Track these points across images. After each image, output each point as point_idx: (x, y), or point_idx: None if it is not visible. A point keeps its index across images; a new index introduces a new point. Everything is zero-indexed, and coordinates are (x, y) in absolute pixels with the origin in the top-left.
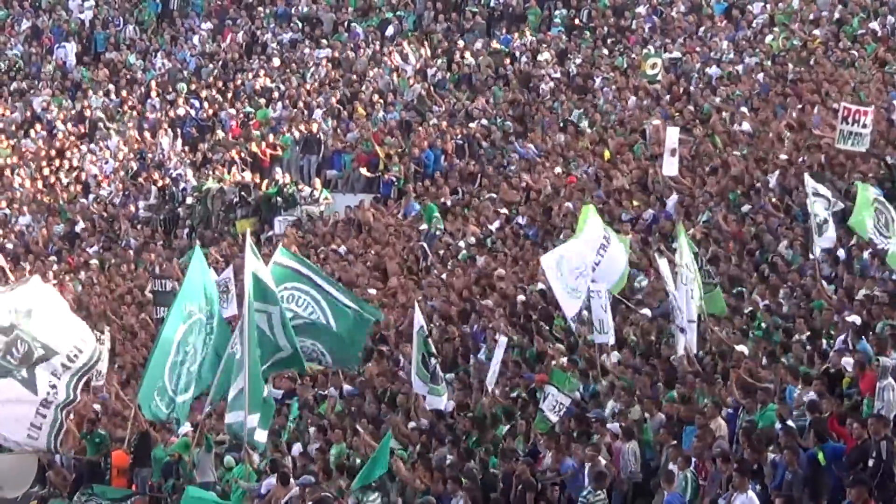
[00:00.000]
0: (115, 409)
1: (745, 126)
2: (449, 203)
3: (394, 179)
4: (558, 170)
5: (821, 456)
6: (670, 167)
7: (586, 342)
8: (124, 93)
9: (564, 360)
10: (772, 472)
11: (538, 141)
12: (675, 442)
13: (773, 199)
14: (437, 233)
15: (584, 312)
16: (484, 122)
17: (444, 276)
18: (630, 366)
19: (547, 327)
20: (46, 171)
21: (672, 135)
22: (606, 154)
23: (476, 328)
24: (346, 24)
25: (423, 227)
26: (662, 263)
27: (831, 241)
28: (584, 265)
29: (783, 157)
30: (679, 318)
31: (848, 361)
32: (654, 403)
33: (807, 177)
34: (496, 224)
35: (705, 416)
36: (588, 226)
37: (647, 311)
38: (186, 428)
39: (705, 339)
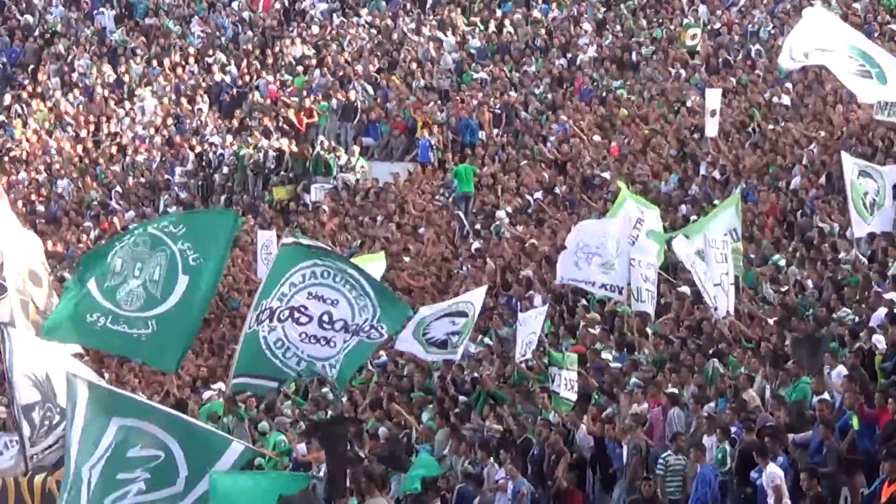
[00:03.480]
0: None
1: (785, 100)
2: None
3: (431, 143)
4: (597, 138)
5: (855, 420)
6: (711, 128)
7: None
8: (163, 58)
9: (598, 329)
10: (795, 448)
11: (572, 111)
12: (706, 413)
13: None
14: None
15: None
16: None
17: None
18: (663, 337)
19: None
20: (84, 136)
21: (713, 96)
22: (645, 130)
23: (513, 299)
24: None
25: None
26: (678, 243)
27: (889, 219)
28: (601, 244)
29: (822, 133)
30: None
31: (879, 339)
32: (689, 374)
33: (845, 155)
34: (538, 194)
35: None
36: (624, 207)
37: (685, 289)
38: (209, 393)
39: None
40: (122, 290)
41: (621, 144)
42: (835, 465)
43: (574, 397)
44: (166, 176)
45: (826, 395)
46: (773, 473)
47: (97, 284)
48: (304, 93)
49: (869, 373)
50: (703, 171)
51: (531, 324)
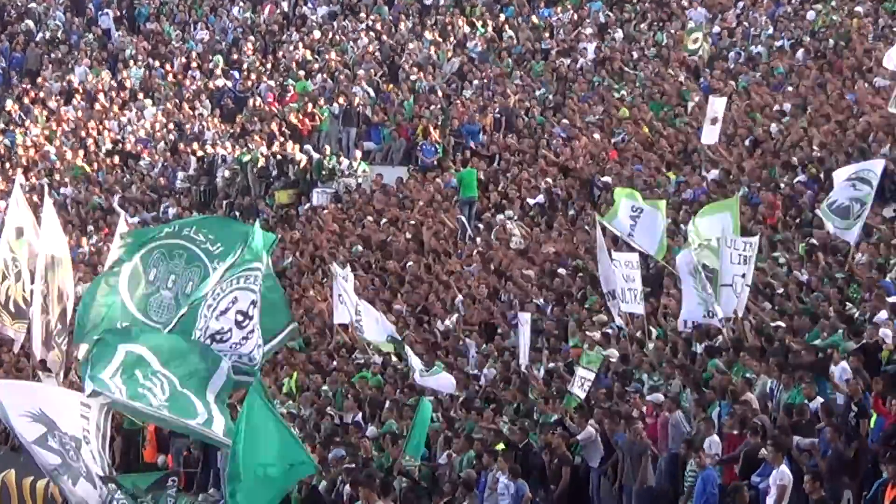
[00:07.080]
0: None
1: (786, 106)
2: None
3: (435, 146)
4: (597, 136)
5: (873, 419)
6: (710, 136)
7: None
8: (164, 63)
9: (598, 334)
10: (798, 454)
11: (572, 114)
12: (705, 416)
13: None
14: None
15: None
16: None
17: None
18: (663, 338)
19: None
20: (85, 141)
21: (715, 104)
22: (645, 129)
23: (510, 299)
24: None
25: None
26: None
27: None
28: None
29: (828, 128)
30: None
31: (886, 333)
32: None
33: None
34: (539, 198)
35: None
36: (620, 206)
37: None
38: None
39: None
40: (154, 299)
41: (619, 146)
42: (839, 467)
43: (583, 395)
44: (167, 181)
45: (819, 399)
46: (783, 473)
47: (129, 292)
48: (305, 98)
49: (871, 367)
50: (702, 172)
51: (523, 329)
